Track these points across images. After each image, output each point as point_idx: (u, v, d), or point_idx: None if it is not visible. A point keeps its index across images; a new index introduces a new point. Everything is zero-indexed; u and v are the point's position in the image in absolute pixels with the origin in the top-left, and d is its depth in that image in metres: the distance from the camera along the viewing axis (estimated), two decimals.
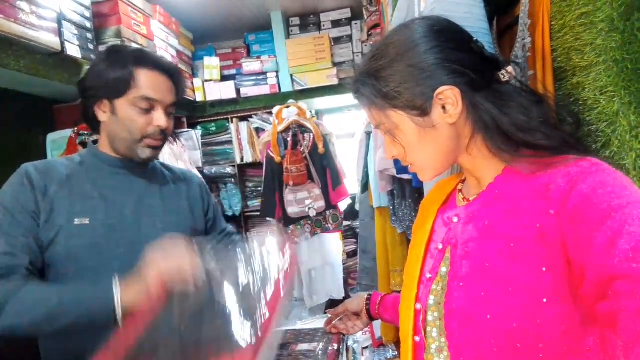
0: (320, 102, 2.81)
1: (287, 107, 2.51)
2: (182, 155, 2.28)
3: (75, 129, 1.86)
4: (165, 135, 1.03)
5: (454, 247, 0.67)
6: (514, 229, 0.58)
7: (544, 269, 0.53)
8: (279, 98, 2.64)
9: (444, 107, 0.63)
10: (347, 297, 2.75)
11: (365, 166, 2.07)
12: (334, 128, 2.82)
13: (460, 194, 0.74)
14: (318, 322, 1.29)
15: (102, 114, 1.00)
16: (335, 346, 1.06)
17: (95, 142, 1.84)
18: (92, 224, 0.97)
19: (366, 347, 2.53)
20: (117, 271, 0.90)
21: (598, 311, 0.47)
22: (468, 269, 0.62)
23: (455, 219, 0.70)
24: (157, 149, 1.04)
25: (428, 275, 0.70)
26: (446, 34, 0.64)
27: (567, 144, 0.60)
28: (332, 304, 2.78)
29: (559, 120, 0.64)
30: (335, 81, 2.63)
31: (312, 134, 2.48)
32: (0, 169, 1.78)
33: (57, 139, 1.95)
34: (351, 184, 2.49)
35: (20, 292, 0.84)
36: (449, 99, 0.62)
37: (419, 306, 0.69)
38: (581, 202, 0.51)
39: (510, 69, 0.65)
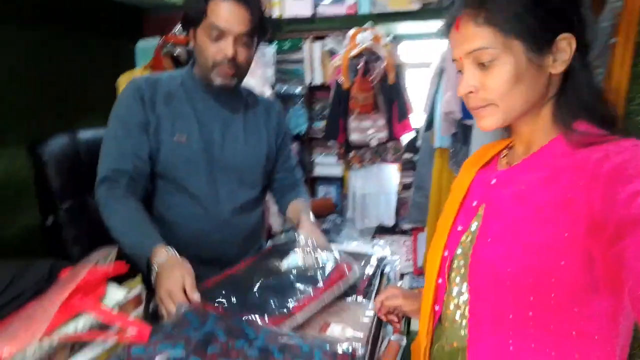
0: (399, 28, 2.67)
1: (364, 30, 2.44)
2: (255, 72, 2.35)
3: (162, 39, 1.98)
4: (237, 66, 1.05)
5: (487, 206, 0.71)
6: (547, 198, 0.61)
7: (566, 234, 0.57)
8: (356, 20, 2.54)
9: (554, 55, 0.61)
10: (396, 225, 2.86)
11: (432, 104, 2.03)
12: (410, 56, 2.71)
13: (503, 158, 0.76)
14: (363, 247, 1.38)
15: (192, 42, 1.07)
16: (371, 271, 1.15)
17: (178, 57, 1.97)
18: (188, 142, 1.07)
19: (407, 274, 2.69)
20: (205, 190, 1.06)
21: (610, 256, 0.51)
22: (497, 228, 0.66)
23: (494, 181, 0.73)
24: (231, 78, 1.07)
25: (459, 228, 0.75)
26: None
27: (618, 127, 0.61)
28: (382, 229, 2.92)
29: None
30: (417, 6, 2.47)
31: (384, 63, 2.42)
32: (94, 74, 1.98)
33: (146, 47, 2.09)
34: (417, 117, 2.45)
35: (115, 206, 1.00)
36: (568, 48, 0.60)
37: (446, 253, 0.76)
38: (612, 169, 0.54)
39: None
